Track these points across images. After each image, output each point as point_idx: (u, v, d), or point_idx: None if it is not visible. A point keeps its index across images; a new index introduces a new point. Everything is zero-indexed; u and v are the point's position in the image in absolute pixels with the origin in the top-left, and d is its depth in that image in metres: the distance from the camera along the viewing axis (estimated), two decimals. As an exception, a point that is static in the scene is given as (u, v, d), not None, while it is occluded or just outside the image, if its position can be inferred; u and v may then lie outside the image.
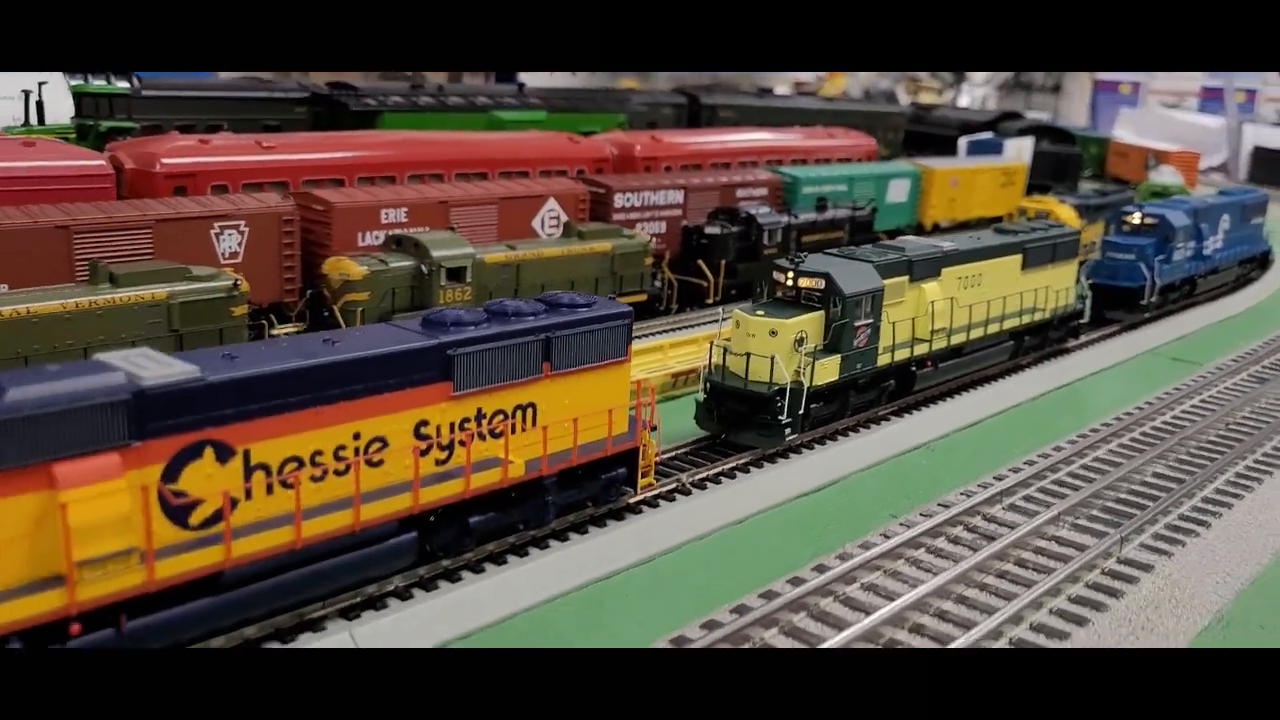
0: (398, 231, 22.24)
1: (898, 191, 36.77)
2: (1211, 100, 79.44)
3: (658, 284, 26.40)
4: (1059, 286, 23.98)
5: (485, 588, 12.79)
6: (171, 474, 10.16)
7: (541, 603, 12.88)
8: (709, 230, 27.61)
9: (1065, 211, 33.83)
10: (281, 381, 10.82)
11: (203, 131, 26.61)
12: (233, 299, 18.77)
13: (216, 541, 10.49)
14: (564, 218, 26.29)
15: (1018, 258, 22.22)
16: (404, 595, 12.56)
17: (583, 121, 37.10)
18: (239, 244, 20.87)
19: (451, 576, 12.88)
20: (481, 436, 12.77)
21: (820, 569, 13.90)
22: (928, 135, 53.46)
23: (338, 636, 11.77)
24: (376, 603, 12.31)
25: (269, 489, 10.89)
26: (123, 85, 27.03)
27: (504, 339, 12.81)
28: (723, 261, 27.43)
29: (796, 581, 13.56)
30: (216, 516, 10.50)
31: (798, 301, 17.57)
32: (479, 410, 12.69)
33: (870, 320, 18.04)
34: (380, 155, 26.14)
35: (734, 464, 16.77)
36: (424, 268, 21.29)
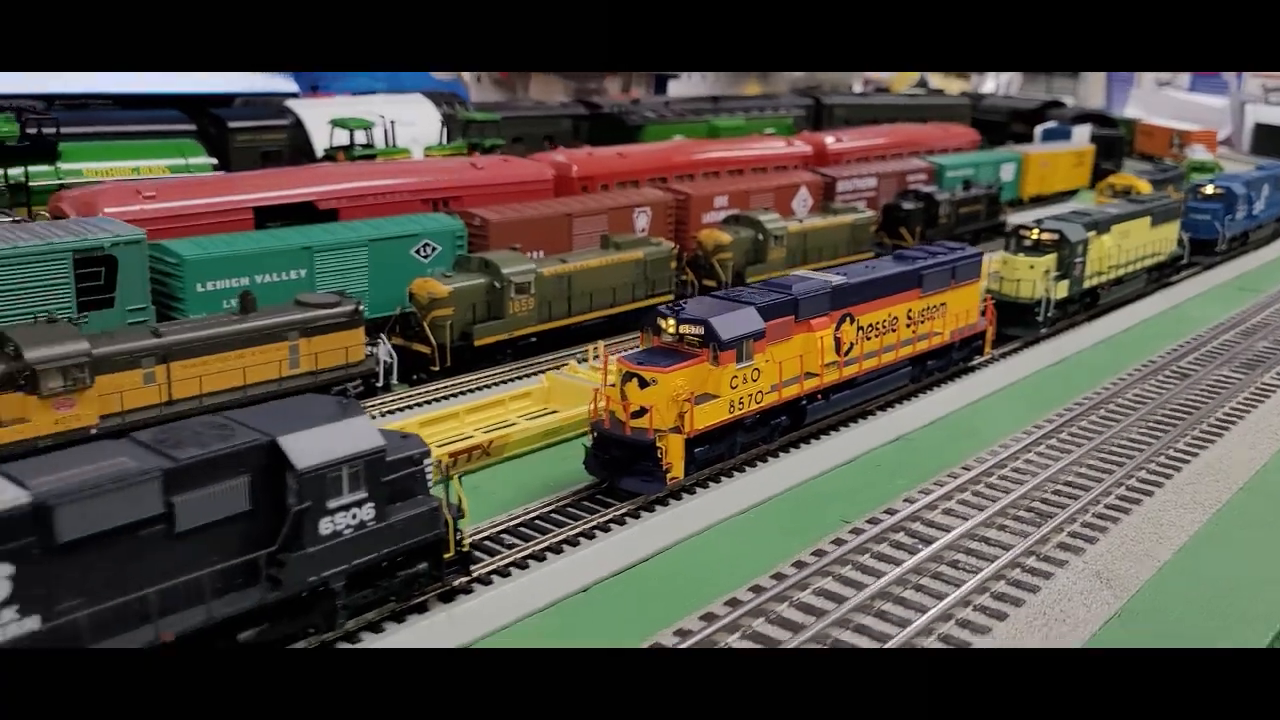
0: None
1: (1007, 172, 47.75)
2: (1201, 79, 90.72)
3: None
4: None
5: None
6: (837, 328, 20.95)
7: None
8: (906, 206, 38.50)
9: (1143, 185, 44.91)
10: (872, 286, 21.67)
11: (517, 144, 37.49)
12: (671, 257, 29.49)
13: (852, 364, 21.33)
14: (809, 200, 37.17)
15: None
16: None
17: (764, 124, 47.99)
18: (647, 222, 31.58)
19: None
20: (929, 319, 23.60)
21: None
22: (981, 122, 64.27)
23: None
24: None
25: (866, 338, 21.71)
26: (493, 115, 37.54)
27: (937, 266, 23.61)
28: (918, 227, 38.30)
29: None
30: (849, 349, 21.29)
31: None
32: (928, 305, 23.49)
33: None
34: (676, 158, 36.90)
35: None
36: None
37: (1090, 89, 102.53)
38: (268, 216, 25.53)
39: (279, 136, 34.18)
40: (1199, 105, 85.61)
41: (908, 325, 22.73)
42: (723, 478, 19.05)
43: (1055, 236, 28.69)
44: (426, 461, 13.94)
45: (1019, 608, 15.26)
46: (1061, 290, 28.69)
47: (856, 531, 17.31)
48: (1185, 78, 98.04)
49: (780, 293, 19.85)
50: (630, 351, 18.81)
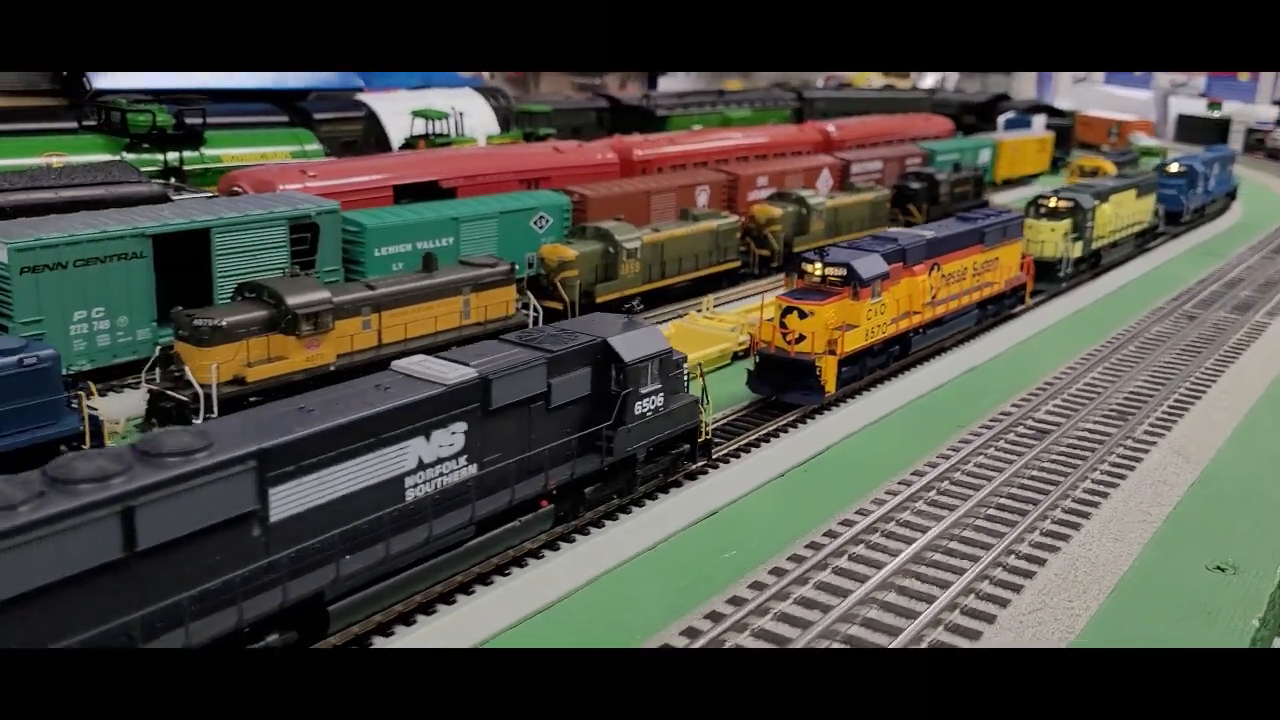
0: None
1: (984, 157, 52.65)
2: (1114, 74, 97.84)
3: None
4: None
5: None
6: (929, 274, 24.97)
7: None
8: (914, 185, 42.93)
9: (1109, 166, 50.10)
10: (953, 240, 25.77)
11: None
12: (737, 228, 33.32)
13: (940, 304, 25.38)
14: (831, 180, 41.37)
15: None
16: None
17: (766, 116, 52.16)
18: (706, 199, 35.37)
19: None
20: (989, 270, 27.80)
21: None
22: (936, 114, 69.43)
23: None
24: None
25: (947, 284, 25.78)
26: (544, 107, 41.01)
27: (993, 226, 27.82)
28: (924, 204, 42.72)
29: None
30: (937, 293, 25.35)
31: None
32: (988, 259, 27.67)
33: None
34: (717, 144, 40.80)
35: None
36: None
37: (1022, 84, 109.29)
38: (403, 194, 28.79)
39: (356, 127, 37.28)
40: (1127, 98, 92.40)
41: (974, 275, 26.94)
42: (856, 395, 23.02)
43: (1071, 204, 33.23)
44: (684, 364, 17.58)
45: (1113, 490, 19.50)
46: (1077, 250, 33.25)
47: (973, 435, 21.36)
48: (1100, 74, 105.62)
49: (891, 244, 23.87)
50: (785, 290, 22.64)
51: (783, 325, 21.66)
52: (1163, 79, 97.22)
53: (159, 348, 20.35)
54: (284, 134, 31.96)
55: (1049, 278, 32.60)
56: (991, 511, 17.72)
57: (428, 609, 14.05)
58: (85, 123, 29.54)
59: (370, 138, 37.31)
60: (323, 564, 12.27)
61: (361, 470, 12.64)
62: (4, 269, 19.85)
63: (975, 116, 69.51)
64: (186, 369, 19.41)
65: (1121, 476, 19.38)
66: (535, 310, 26.28)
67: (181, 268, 22.30)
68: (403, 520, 13.13)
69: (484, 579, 14.80)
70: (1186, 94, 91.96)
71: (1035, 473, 19.33)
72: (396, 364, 14.26)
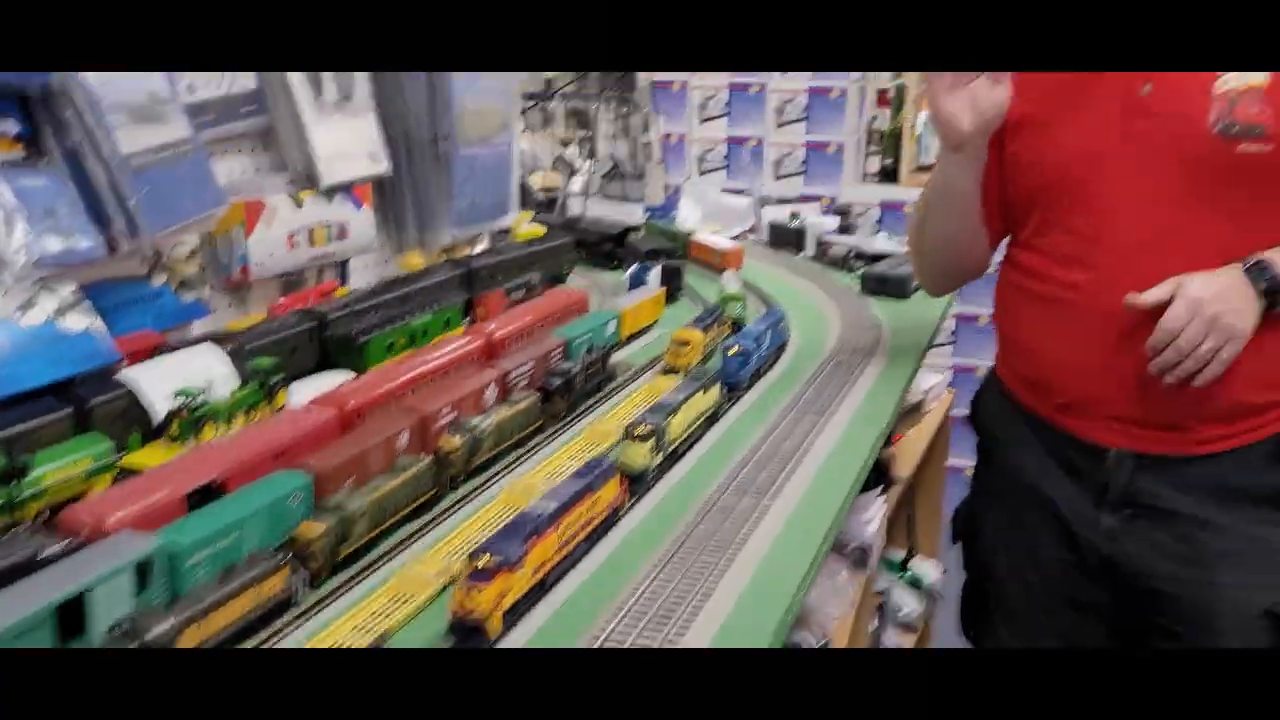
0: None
1: (610, 328, 69.45)
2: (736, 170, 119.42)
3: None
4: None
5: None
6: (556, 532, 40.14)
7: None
8: (554, 383, 58.55)
9: (696, 336, 68.54)
10: (572, 498, 41.18)
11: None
12: (431, 470, 47.31)
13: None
14: (496, 393, 56.23)
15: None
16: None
17: (443, 316, 66.32)
18: (406, 441, 49.10)
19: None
20: (595, 506, 43.44)
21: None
22: (580, 243, 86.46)
23: None
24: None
25: (567, 538, 41.12)
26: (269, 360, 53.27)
27: (597, 476, 43.52)
28: (563, 398, 58.42)
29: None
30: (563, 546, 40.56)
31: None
32: (594, 500, 43.32)
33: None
34: (400, 383, 54.43)
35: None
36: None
37: (654, 187, 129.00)
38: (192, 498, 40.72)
39: (121, 404, 47.90)
40: (730, 205, 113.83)
41: (587, 516, 42.32)
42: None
43: (651, 428, 49.79)
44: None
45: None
46: (658, 459, 49.85)
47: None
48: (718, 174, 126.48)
49: (530, 521, 38.73)
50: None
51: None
52: (759, 186, 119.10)
53: None
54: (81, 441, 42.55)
55: (639, 484, 49.06)
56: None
57: None
58: None
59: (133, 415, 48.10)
60: None
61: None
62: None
63: (614, 244, 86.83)
64: None
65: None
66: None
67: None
68: None
69: None
70: (774, 204, 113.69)
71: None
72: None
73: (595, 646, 1.49)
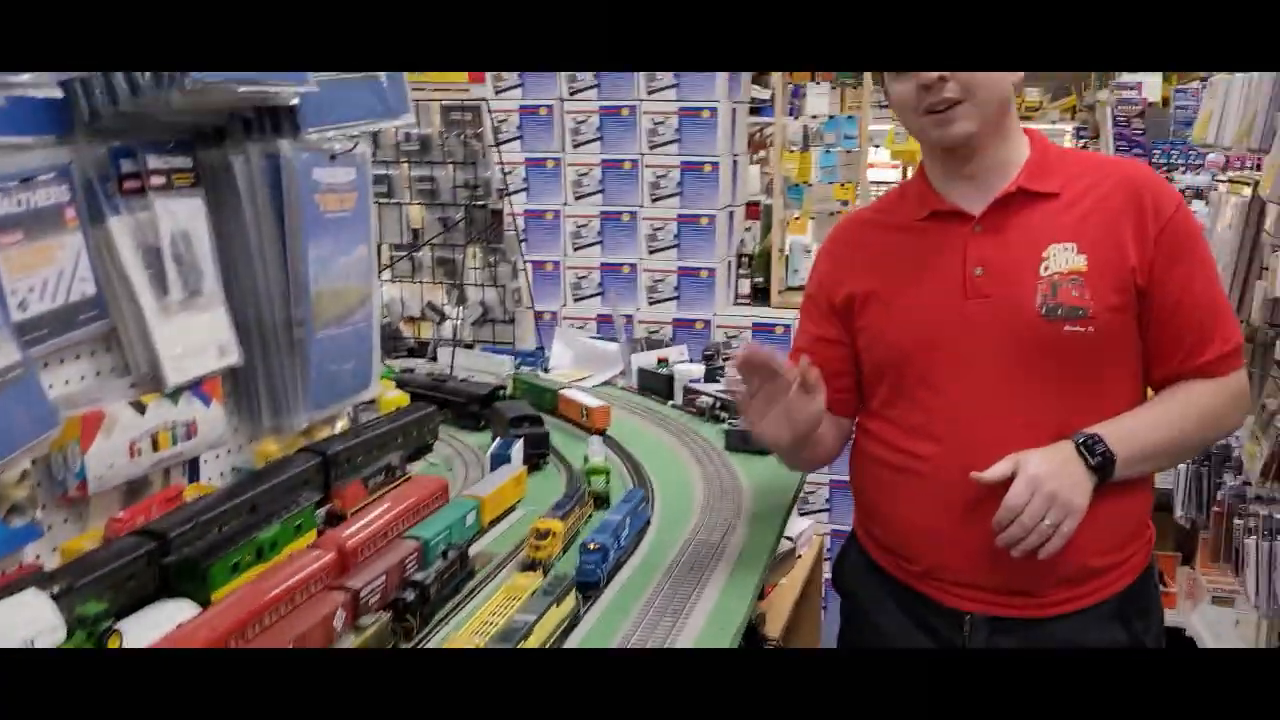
0: None
1: (470, 519, 68.14)
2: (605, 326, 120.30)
3: None
4: None
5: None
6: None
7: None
8: (408, 597, 56.38)
9: (557, 525, 67.73)
10: None
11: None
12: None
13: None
14: (345, 618, 53.90)
15: None
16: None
17: (296, 520, 63.74)
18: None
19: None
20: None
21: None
22: (449, 402, 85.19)
23: None
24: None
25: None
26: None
27: None
28: (418, 611, 56.50)
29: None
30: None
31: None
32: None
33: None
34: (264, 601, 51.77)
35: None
36: None
37: (525, 330, 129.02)
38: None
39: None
40: (600, 350, 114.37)
41: None
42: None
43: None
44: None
45: None
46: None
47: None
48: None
49: None
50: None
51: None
52: (635, 318, 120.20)
53: None
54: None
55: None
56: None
57: None
58: None
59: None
60: None
61: None
62: None
63: (481, 406, 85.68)
64: None
65: None
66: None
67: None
68: None
69: None
70: (642, 349, 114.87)
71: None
72: None
73: None
